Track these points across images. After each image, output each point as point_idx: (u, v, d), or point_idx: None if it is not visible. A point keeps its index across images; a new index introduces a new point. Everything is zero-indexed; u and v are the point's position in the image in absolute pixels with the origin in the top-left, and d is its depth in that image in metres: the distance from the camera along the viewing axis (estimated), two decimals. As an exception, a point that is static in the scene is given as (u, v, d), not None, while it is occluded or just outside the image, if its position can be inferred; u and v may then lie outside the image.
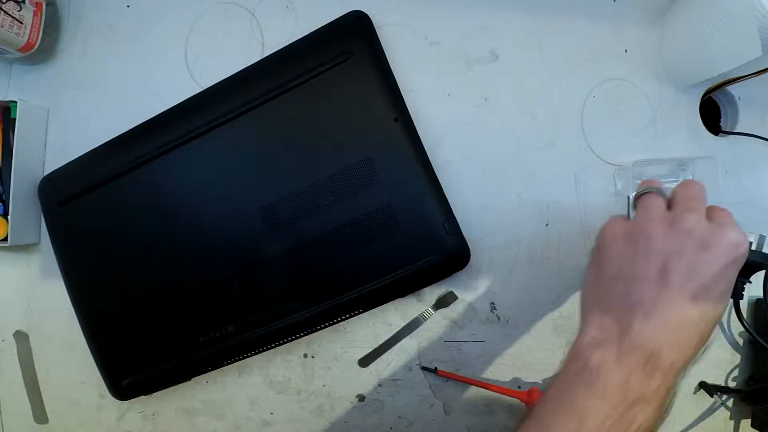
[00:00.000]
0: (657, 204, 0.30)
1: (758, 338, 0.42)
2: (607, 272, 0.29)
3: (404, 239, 0.40)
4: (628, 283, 0.28)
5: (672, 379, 0.26)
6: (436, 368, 0.45)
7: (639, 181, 0.34)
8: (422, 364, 0.45)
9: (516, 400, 0.44)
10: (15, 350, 0.49)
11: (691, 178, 0.43)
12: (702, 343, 0.27)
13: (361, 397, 0.46)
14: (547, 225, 0.45)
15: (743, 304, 0.45)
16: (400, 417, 0.46)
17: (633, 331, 0.26)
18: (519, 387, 0.45)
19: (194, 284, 0.44)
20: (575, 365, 0.28)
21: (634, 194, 0.33)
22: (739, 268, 0.28)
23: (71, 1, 0.50)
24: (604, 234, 0.31)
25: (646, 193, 0.31)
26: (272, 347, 0.44)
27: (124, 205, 0.45)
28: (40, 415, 0.49)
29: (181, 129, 0.43)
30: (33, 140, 0.48)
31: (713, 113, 0.48)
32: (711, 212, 0.29)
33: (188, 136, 0.43)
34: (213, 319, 0.43)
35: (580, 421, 0.26)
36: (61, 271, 0.46)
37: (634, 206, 0.32)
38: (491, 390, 0.44)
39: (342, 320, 0.43)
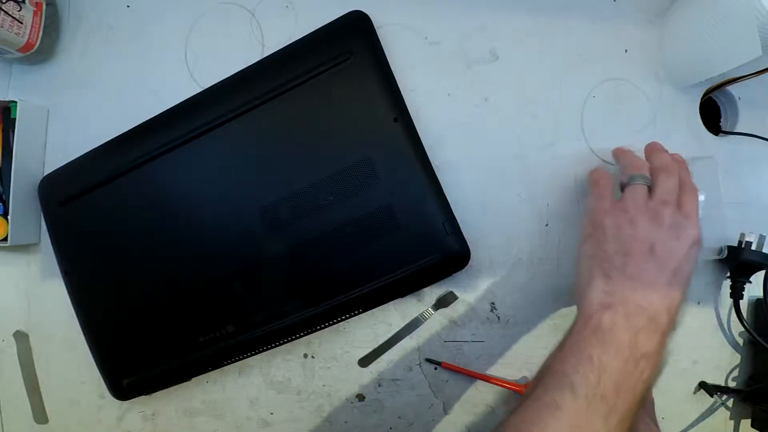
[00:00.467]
0: (642, 194, 0.36)
1: (758, 338, 0.42)
2: (607, 247, 0.35)
3: (404, 239, 0.40)
4: (626, 257, 0.34)
5: (666, 339, 0.32)
6: (440, 363, 0.45)
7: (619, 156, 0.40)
8: (426, 357, 0.45)
9: (516, 399, 0.44)
10: (15, 350, 0.49)
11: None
12: (679, 309, 0.33)
13: (361, 397, 0.46)
14: (547, 225, 0.45)
15: (743, 304, 0.45)
16: (400, 417, 0.46)
17: (636, 295, 0.32)
18: (519, 387, 0.45)
19: (194, 284, 0.44)
20: (589, 326, 0.32)
21: (623, 179, 0.38)
22: (699, 249, 0.35)
23: (71, 1, 0.50)
24: (602, 218, 0.36)
25: (633, 183, 0.37)
26: (272, 347, 0.44)
27: (124, 205, 0.45)
28: (40, 415, 0.49)
29: (181, 129, 0.43)
30: (33, 140, 0.48)
31: (713, 113, 0.48)
32: (681, 199, 0.35)
33: (188, 136, 0.43)
34: (213, 319, 0.43)
35: (599, 374, 0.30)
36: (61, 271, 0.46)
37: (622, 188, 0.38)
38: (491, 382, 0.44)
39: (342, 320, 0.43)
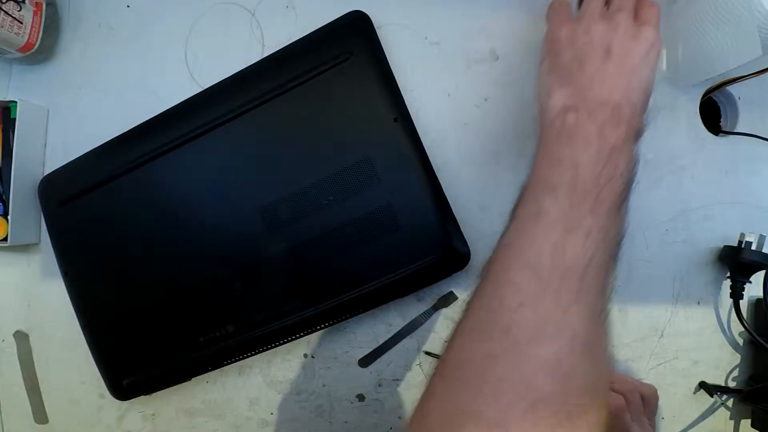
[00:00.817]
0: (597, 5, 0.36)
1: (758, 338, 0.42)
2: (563, 57, 0.35)
3: (404, 239, 0.40)
4: (581, 62, 0.34)
5: (633, 135, 0.31)
6: (440, 356, 0.45)
7: None
8: (426, 350, 0.45)
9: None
10: (15, 350, 0.49)
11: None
12: (641, 110, 0.33)
13: (361, 397, 0.46)
14: (547, 225, 0.45)
15: (743, 304, 0.45)
16: (400, 417, 0.46)
17: (595, 92, 0.32)
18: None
19: (194, 284, 0.44)
20: (553, 129, 0.32)
21: None
22: (658, 54, 0.35)
23: (71, 1, 0.50)
24: (557, 33, 0.36)
25: None
26: (272, 347, 0.44)
27: (124, 205, 0.45)
28: (40, 415, 0.49)
29: (181, 129, 0.43)
30: (33, 140, 0.48)
31: (713, 113, 0.48)
32: (639, 10, 0.35)
33: (188, 136, 0.43)
34: (213, 319, 0.43)
35: (575, 170, 0.29)
36: (61, 272, 0.46)
37: (579, 4, 0.38)
38: None
39: (342, 320, 0.43)
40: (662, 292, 0.45)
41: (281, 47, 0.44)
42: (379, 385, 0.46)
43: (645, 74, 0.33)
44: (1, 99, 0.46)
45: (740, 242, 0.43)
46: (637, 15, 0.35)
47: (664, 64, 0.45)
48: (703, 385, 0.45)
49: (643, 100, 0.33)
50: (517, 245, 0.29)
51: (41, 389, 0.49)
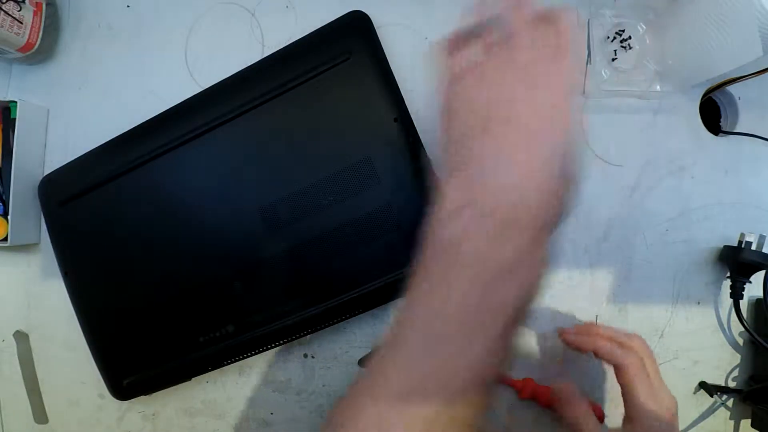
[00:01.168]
0: (489, 38, 0.27)
1: (758, 338, 0.42)
2: (454, 134, 0.27)
3: (404, 239, 0.40)
4: (473, 134, 0.25)
5: (544, 230, 0.24)
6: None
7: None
8: None
9: (513, 396, 0.44)
10: (15, 350, 0.49)
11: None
12: (566, 186, 0.24)
13: (361, 397, 0.46)
14: (547, 225, 0.45)
15: (743, 304, 0.45)
16: (400, 417, 0.46)
17: (490, 185, 0.24)
18: (519, 387, 0.45)
19: (194, 284, 0.44)
20: (435, 238, 0.26)
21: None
22: (578, 97, 0.27)
23: (71, 1, 0.50)
24: (449, 86, 0.28)
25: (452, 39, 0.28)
26: (272, 347, 0.44)
27: (124, 205, 0.45)
28: (40, 415, 0.49)
29: (181, 129, 0.43)
30: (33, 140, 0.48)
31: (713, 113, 0.48)
32: (546, 25, 0.25)
33: (188, 136, 0.43)
34: (213, 319, 0.43)
35: (446, 294, 0.25)
36: (61, 272, 0.46)
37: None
38: None
39: (342, 320, 0.43)
40: (662, 292, 0.45)
41: (281, 47, 0.44)
42: (379, 385, 0.46)
43: (561, 131, 0.24)
44: (1, 99, 0.46)
45: (740, 242, 0.44)
46: (543, 35, 0.26)
47: (663, 67, 0.45)
48: (703, 385, 0.45)
49: (557, 180, 0.24)
50: (368, 384, 0.27)
51: (41, 389, 0.49)
